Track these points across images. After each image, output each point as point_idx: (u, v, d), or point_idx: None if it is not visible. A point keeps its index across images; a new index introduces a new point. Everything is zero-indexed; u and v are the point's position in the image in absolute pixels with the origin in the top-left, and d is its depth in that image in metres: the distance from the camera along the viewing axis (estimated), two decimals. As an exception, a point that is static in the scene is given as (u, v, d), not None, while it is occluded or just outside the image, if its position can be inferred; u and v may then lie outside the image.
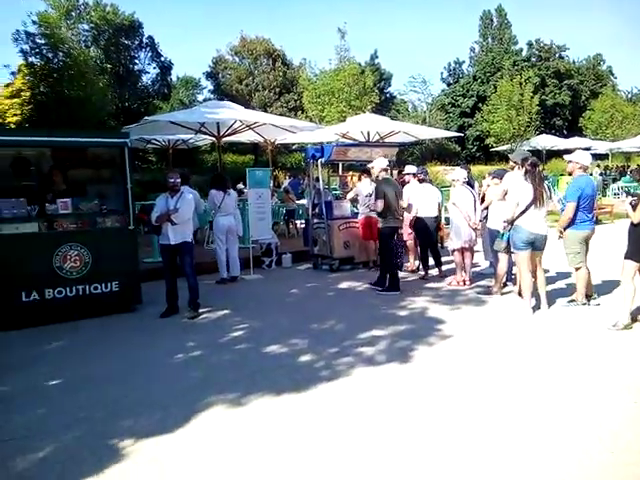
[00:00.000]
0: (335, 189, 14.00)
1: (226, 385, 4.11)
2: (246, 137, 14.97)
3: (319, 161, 9.13)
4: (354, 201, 9.41)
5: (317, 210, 9.37)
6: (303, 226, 11.93)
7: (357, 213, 9.17)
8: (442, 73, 50.03)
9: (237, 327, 5.74)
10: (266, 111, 28.61)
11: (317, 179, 9.75)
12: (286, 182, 17.39)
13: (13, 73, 20.05)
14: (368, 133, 13.43)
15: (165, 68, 34.15)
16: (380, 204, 7.07)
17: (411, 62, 74.51)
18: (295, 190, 15.55)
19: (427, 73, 75.56)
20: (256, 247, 9.30)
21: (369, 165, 8.10)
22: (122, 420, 3.54)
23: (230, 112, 11.72)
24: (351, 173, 14.62)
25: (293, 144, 23.76)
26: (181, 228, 6.30)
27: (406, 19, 75.13)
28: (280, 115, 24.14)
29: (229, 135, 12.34)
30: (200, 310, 6.35)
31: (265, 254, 9.48)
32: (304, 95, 27.25)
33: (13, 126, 19.10)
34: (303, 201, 14.14)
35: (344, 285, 7.80)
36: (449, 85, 48.72)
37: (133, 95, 31.22)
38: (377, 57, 44.56)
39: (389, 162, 7.95)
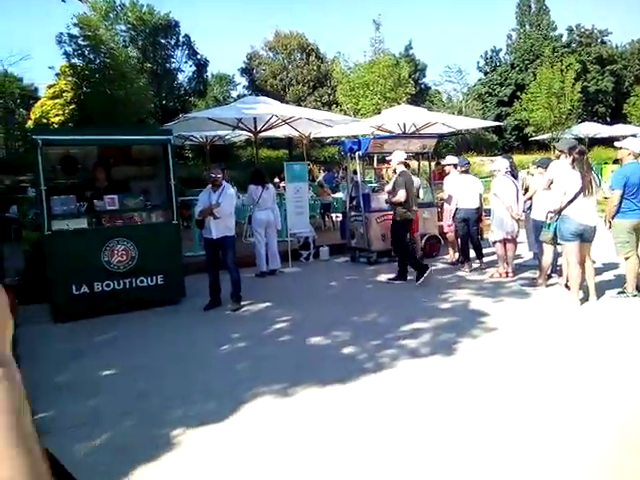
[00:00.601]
0: (370, 181, 13.94)
1: (272, 376, 4.16)
2: (281, 132, 15.03)
3: (356, 154, 9.11)
4: (389, 193, 9.35)
5: (354, 203, 9.35)
6: (339, 219, 11.93)
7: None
8: (478, 62, 48.84)
9: (279, 319, 5.81)
10: (300, 105, 28.64)
11: (354, 172, 9.70)
12: (321, 176, 17.42)
13: (57, 74, 20.70)
14: (404, 125, 13.28)
15: (201, 65, 34.62)
16: (403, 193, 7.13)
17: (446, 52, 73.16)
18: (330, 183, 15.56)
19: (463, 62, 74.11)
20: (294, 241, 9.36)
21: (387, 157, 8.12)
22: (175, 409, 3.65)
23: (267, 107, 11.79)
24: (386, 166, 14.53)
25: (327, 138, 23.75)
26: (223, 222, 6.40)
27: (441, 8, 73.67)
28: (314, 109, 24.15)
29: (266, 130, 12.41)
30: (242, 303, 6.44)
31: (303, 247, 9.54)
32: (338, 88, 27.16)
33: (56, 126, 19.77)
34: (338, 194, 14.14)
35: (382, 277, 7.76)
36: (486, 74, 47.55)
37: (170, 93, 31.82)
38: (412, 48, 43.87)
39: (427, 152, 7.90)
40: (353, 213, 9.30)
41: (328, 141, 25.22)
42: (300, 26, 67.34)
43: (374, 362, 4.38)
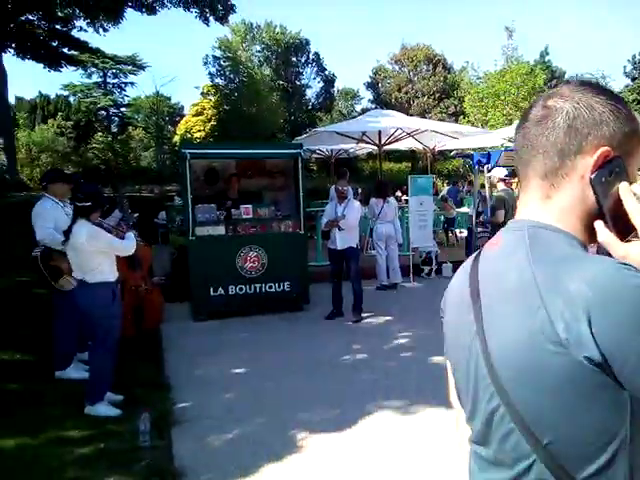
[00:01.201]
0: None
1: (394, 391, 4.15)
2: (405, 144, 14.98)
3: (485, 167, 8.76)
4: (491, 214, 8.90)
5: (482, 218, 8.99)
6: (463, 235, 11.54)
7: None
8: (625, 67, 44.49)
9: (401, 334, 5.77)
10: (425, 117, 28.33)
11: (482, 186, 9.34)
12: (445, 189, 17.00)
13: (202, 94, 22.72)
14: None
15: (328, 81, 35.85)
16: (501, 214, 6.83)
17: (586, 57, 67.51)
18: (454, 198, 15.12)
19: (606, 68, 67.88)
20: (415, 255, 9.24)
21: (487, 174, 7.67)
22: (301, 412, 3.80)
23: (391, 120, 11.85)
24: (516, 179, 13.77)
25: (452, 150, 23.16)
26: (348, 234, 6.54)
27: (579, 10, 68.38)
28: (439, 121, 23.70)
29: (390, 143, 12.47)
30: (363, 315, 6.50)
31: (425, 263, 9.37)
32: (465, 99, 26.39)
33: (198, 140, 21.65)
34: (463, 209, 13.68)
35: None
36: (634, 79, 43.11)
37: (299, 109, 33.32)
38: (547, 54, 41.19)
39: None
40: (480, 229, 8.93)
41: (453, 154, 24.56)
42: (427, 39, 66.77)
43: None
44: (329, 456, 3.21)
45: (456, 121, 27.92)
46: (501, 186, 7.26)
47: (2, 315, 6.29)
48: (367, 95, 42.35)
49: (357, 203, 6.84)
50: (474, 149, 14.32)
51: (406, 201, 10.45)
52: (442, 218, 12.93)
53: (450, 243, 12.54)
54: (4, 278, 7.99)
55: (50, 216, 4.47)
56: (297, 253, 6.88)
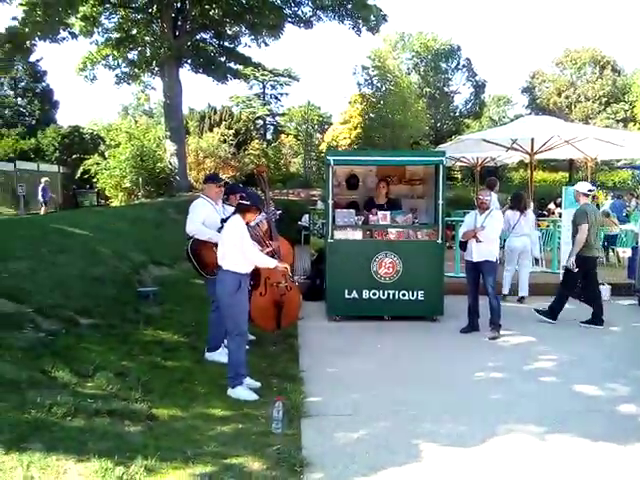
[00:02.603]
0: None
1: (529, 416, 3.89)
2: (562, 153, 13.80)
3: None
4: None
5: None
6: (626, 255, 10.29)
7: None
8: None
9: (543, 357, 5.36)
10: (588, 124, 25.85)
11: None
12: (607, 203, 15.31)
13: (350, 102, 23.42)
14: None
15: (479, 87, 34.54)
16: (585, 229, 6.48)
17: None
18: (618, 213, 13.53)
19: None
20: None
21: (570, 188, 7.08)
22: (426, 423, 3.75)
23: (547, 126, 11.03)
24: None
25: (619, 160, 20.76)
26: (485, 246, 6.26)
27: None
28: (605, 127, 21.43)
29: (543, 151, 11.60)
30: (502, 332, 6.17)
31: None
32: (637, 104, 23.52)
33: (343, 148, 22.33)
34: (628, 226, 12.19)
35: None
36: None
37: (445, 115, 32.59)
38: None
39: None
40: (646, 249, 7.93)
41: (620, 164, 22.01)
42: (593, 41, 60.66)
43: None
44: (452, 472, 3.13)
45: (626, 127, 25.01)
46: (584, 200, 6.75)
47: (167, 300, 7.19)
48: (521, 100, 39.91)
49: (499, 214, 6.52)
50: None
51: (560, 215, 9.65)
52: (602, 235, 11.68)
53: (610, 263, 11.28)
54: (172, 269, 9.11)
55: (201, 212, 5.06)
56: (433, 263, 6.77)
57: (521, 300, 7.96)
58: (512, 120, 22.81)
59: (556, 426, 3.71)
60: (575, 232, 6.61)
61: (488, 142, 11.24)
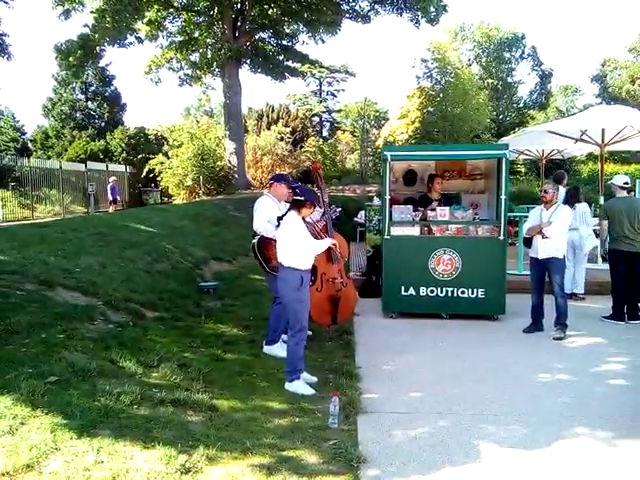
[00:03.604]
0: None
1: (597, 420, 3.69)
2: (636, 144, 12.97)
3: None
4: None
5: None
6: None
7: None
8: None
9: (612, 359, 5.07)
10: (665, 112, 24.11)
11: None
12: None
13: (407, 96, 23.06)
14: None
15: (545, 77, 33.06)
16: (604, 224, 6.71)
17: None
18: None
19: None
20: None
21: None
22: (488, 424, 3.64)
23: (619, 116, 10.37)
24: None
25: (702, 150, 19.22)
26: (552, 243, 5.99)
27: None
28: (685, 116, 19.90)
29: (615, 142, 10.93)
30: (568, 332, 5.89)
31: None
32: None
33: (400, 143, 22.03)
34: None
35: None
36: None
37: (508, 107, 31.43)
38: None
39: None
40: None
41: (702, 154, 20.40)
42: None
43: None
44: (512, 475, 3.02)
45: None
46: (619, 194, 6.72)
47: (227, 294, 7.39)
48: (591, 90, 38.01)
49: (567, 210, 6.21)
50: None
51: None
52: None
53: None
54: (231, 264, 9.35)
55: (266, 210, 5.12)
56: (494, 259, 6.56)
57: (576, 297, 7.67)
58: (581, 110, 21.66)
59: (626, 431, 3.51)
60: None
61: (554, 134, 10.73)
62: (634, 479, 3.00)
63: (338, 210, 6.02)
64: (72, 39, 16.66)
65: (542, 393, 4.25)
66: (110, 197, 19.88)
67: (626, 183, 6.79)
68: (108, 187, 20.27)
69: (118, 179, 21.70)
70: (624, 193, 6.80)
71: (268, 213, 5.08)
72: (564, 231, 6.10)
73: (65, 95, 31.19)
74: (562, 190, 9.13)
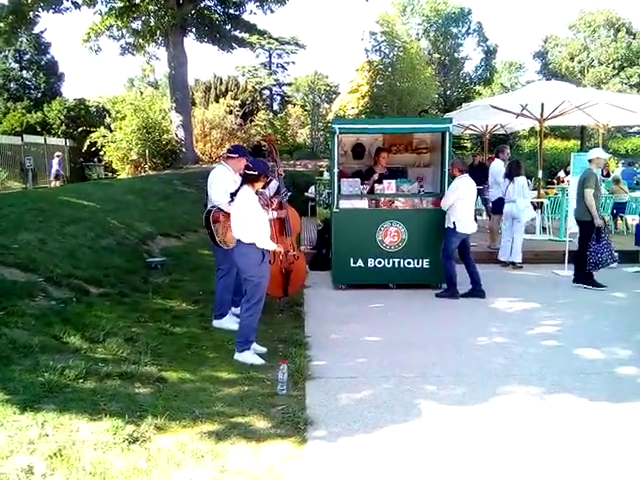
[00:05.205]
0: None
1: (530, 378, 3.98)
2: (574, 120, 13.56)
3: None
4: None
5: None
6: (635, 222, 10.24)
7: None
8: None
9: (546, 322, 5.42)
10: (600, 89, 25.26)
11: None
12: (618, 170, 15.16)
13: (356, 70, 23.03)
14: None
15: (490, 52, 33.75)
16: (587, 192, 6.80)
17: None
18: (628, 180, 13.42)
19: None
20: (573, 242, 8.46)
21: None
22: (428, 385, 3.85)
23: (557, 91, 10.79)
24: None
25: (632, 126, 20.36)
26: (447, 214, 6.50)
27: None
28: (618, 92, 20.95)
29: (553, 117, 11.39)
30: (507, 299, 6.22)
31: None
32: (653, 67, 22.91)
33: (351, 117, 22.06)
34: (638, 193, 12.08)
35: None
36: None
37: (455, 83, 31.98)
38: None
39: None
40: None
41: (633, 130, 21.59)
42: (611, 2, 58.59)
43: (659, 390, 3.73)
44: (450, 431, 3.22)
45: (639, 93, 24.42)
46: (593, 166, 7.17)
47: (175, 270, 7.29)
48: (534, 66, 39.11)
49: (454, 184, 6.48)
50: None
51: (569, 182, 9.55)
52: (611, 202, 11.59)
53: (618, 230, 11.23)
54: (179, 240, 9.20)
55: (223, 181, 4.98)
56: (438, 231, 6.78)
57: (514, 266, 8.11)
58: (524, 86, 22.32)
59: (555, 387, 3.80)
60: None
61: (496, 108, 11.06)
62: (561, 427, 3.26)
63: (289, 194, 6.01)
64: (2, 3, 15.55)
65: (479, 355, 4.50)
66: (54, 172, 18.97)
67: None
68: (54, 162, 19.30)
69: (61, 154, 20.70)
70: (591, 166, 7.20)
71: (225, 184, 4.93)
72: (449, 202, 6.39)
73: (-4, 64, 29.19)
74: (500, 163, 9.52)
